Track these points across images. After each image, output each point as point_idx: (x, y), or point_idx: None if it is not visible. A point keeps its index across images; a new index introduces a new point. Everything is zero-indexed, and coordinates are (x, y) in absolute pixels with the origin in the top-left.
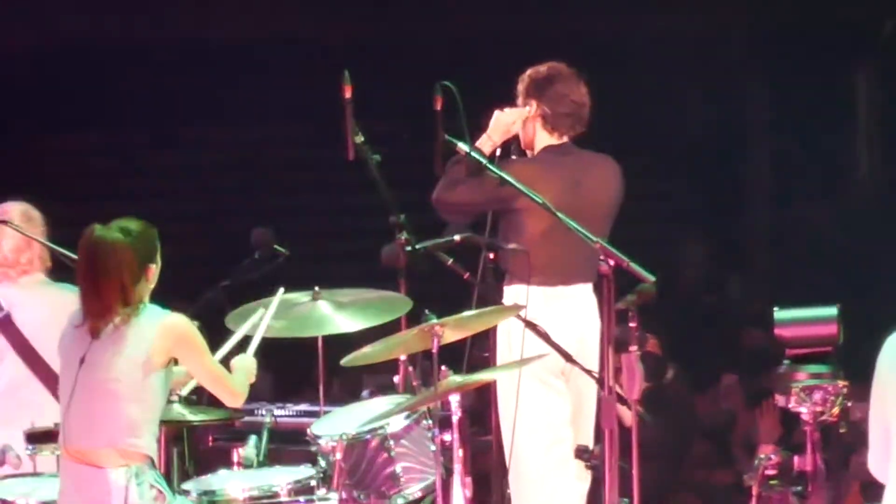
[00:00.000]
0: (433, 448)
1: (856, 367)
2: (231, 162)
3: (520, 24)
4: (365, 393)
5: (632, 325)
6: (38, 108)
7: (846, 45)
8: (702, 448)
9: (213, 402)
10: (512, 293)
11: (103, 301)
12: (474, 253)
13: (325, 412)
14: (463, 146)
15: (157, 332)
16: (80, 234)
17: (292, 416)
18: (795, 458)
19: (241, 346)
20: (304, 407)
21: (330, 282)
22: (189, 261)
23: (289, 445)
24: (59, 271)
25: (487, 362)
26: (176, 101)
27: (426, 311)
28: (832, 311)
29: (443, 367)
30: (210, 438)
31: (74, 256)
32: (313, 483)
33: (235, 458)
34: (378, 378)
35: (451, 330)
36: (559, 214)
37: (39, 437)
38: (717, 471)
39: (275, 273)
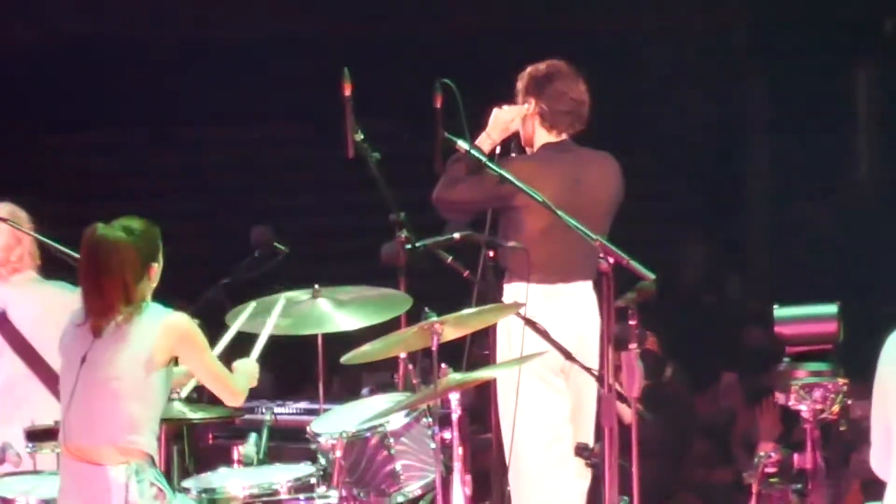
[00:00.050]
0: (433, 446)
1: (856, 364)
2: (231, 162)
3: (520, 22)
4: (365, 391)
5: (631, 322)
6: (37, 108)
7: (846, 44)
8: (702, 446)
9: (213, 400)
10: (512, 291)
11: (105, 299)
12: (474, 251)
13: (325, 410)
14: (463, 144)
15: (159, 330)
16: (79, 233)
17: (292, 413)
18: (795, 456)
19: (245, 348)
20: (304, 405)
21: (330, 280)
22: (189, 260)
23: (289, 443)
24: (56, 269)
25: (487, 360)
26: (176, 101)
27: (426, 309)
28: (832, 308)
29: (442, 365)
30: (210, 436)
31: (73, 254)
32: (313, 481)
33: (235, 456)
34: (378, 376)
35: (451, 328)
36: (559, 212)
37: (39, 435)
38: (717, 469)
39: (275, 271)
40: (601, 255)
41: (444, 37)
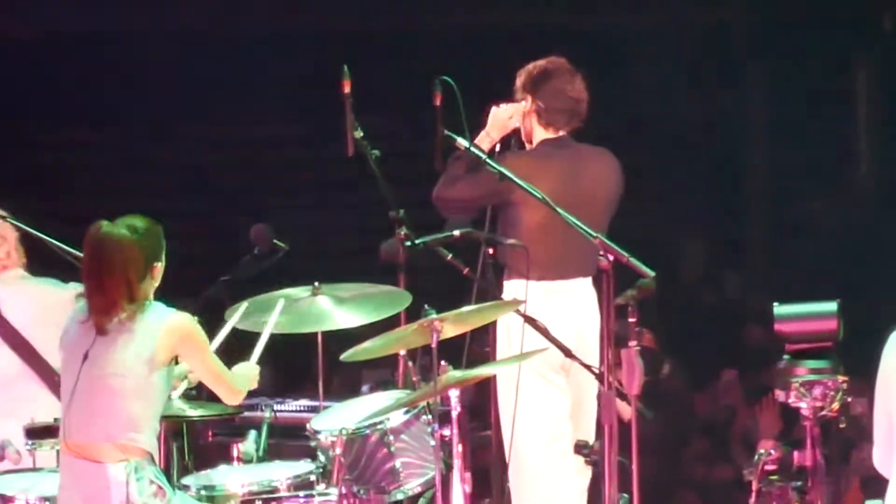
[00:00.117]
0: (433, 443)
1: (856, 362)
2: (231, 161)
3: (519, 19)
4: (365, 388)
5: (631, 320)
6: (37, 106)
7: (846, 44)
8: (701, 444)
9: (212, 397)
10: (511, 288)
11: (108, 297)
12: (474, 248)
13: (325, 407)
14: (462, 141)
15: (162, 329)
16: (79, 232)
17: (292, 411)
18: (795, 454)
19: (245, 348)
20: (303, 402)
21: (330, 277)
22: (189, 259)
23: (288, 440)
24: (54, 268)
25: (487, 357)
26: (176, 100)
27: (426, 307)
28: (832, 306)
29: (442, 363)
30: (210, 433)
31: (74, 252)
32: (313, 478)
33: (235, 454)
34: (378, 373)
35: (451, 325)
36: (558, 209)
37: (39, 433)
38: (717, 467)
39: (275, 268)
40: (601, 252)
41: (444, 34)
